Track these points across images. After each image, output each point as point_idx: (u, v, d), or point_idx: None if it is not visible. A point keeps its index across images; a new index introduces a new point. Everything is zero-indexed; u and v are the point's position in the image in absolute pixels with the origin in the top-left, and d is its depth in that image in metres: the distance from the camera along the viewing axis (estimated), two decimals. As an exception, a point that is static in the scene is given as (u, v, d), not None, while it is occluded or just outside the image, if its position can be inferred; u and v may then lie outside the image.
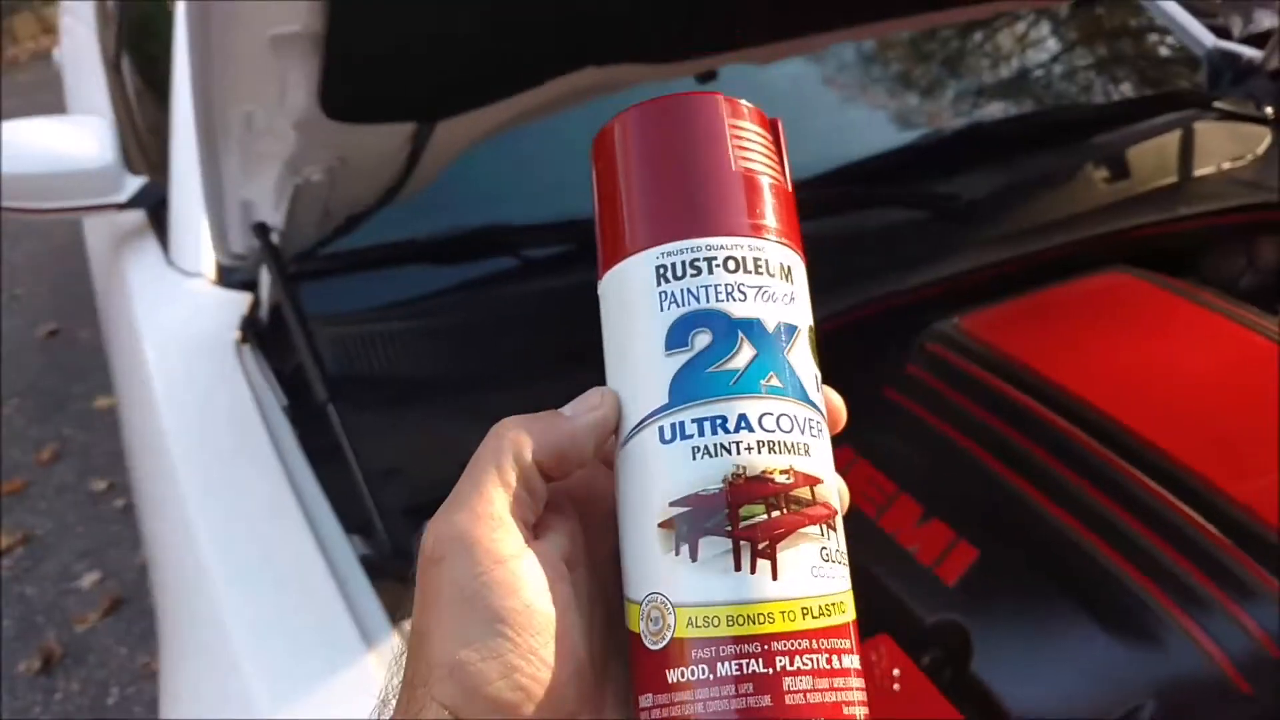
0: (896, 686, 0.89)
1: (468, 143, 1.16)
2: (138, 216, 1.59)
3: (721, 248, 0.36)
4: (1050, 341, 1.25)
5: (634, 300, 0.37)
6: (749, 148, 0.39)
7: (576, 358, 1.24)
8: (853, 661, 0.34)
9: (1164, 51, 2.26)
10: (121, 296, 1.47)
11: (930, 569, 1.06)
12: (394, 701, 0.36)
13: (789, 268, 0.38)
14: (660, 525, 0.35)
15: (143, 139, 1.90)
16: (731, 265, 0.36)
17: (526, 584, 0.34)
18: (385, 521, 0.96)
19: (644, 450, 0.36)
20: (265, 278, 1.18)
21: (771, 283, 0.37)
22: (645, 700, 0.34)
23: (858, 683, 0.34)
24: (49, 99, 2.91)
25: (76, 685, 2.20)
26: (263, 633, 0.91)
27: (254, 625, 0.92)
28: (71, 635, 2.33)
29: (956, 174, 1.56)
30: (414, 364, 1.22)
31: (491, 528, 0.34)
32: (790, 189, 0.40)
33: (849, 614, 0.35)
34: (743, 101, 0.40)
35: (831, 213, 1.43)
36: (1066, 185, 1.61)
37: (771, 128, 0.41)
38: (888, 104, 1.88)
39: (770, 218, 0.38)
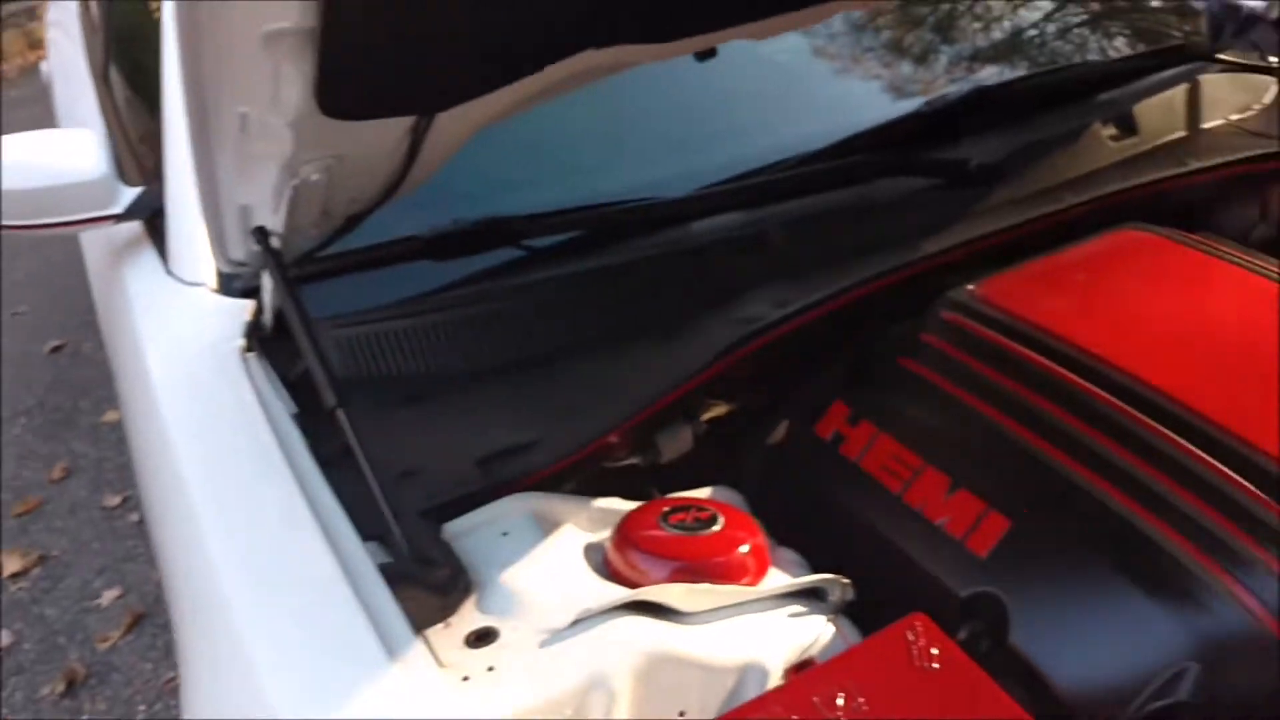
0: (935, 665, 0.87)
1: (467, 134, 1.14)
2: (134, 228, 1.56)
3: None
4: (1068, 303, 1.23)
5: None
6: None
7: (587, 345, 1.23)
8: None
9: (1159, 4, 2.23)
10: (123, 310, 1.45)
11: (961, 541, 1.05)
12: None
13: None
14: None
15: (135, 148, 1.88)
16: None
17: None
18: (402, 527, 0.93)
19: None
20: (267, 283, 1.15)
21: None
22: None
23: None
24: (38, 112, 2.90)
25: (103, 705, 2.20)
26: (282, 645, 0.89)
27: (273, 637, 0.90)
28: (94, 654, 2.32)
29: (964, 139, 1.54)
30: (423, 361, 1.19)
31: None
32: None
33: None
34: None
35: (841, 185, 1.41)
36: (1075, 145, 1.58)
37: None
38: (886, 73, 1.85)
39: None
